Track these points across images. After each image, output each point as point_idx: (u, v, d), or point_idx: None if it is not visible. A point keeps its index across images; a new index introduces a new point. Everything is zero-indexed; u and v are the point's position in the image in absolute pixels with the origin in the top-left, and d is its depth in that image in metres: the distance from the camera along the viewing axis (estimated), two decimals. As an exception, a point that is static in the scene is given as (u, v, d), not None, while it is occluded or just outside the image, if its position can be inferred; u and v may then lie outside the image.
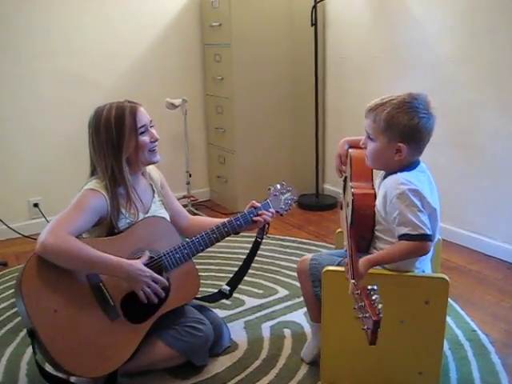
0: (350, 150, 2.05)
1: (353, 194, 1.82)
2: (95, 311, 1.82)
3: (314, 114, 3.96)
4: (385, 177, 1.86)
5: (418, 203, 1.71)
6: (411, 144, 1.75)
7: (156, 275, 1.89)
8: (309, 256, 2.05)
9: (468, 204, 3.20)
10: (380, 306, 1.38)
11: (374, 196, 1.84)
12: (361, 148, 1.95)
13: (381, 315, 1.36)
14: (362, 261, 1.70)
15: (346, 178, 2.10)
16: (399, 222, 1.72)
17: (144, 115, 1.99)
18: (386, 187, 1.78)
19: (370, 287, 1.44)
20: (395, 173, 1.80)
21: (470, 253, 3.16)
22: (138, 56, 3.82)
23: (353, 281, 1.55)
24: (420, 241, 1.70)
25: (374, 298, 1.41)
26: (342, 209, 2.15)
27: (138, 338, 1.89)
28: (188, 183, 3.92)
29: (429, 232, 1.71)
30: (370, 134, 1.80)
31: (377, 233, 1.85)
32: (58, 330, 1.75)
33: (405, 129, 1.72)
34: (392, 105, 1.73)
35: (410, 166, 1.81)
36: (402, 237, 1.72)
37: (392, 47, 3.51)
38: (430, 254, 1.87)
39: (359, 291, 1.45)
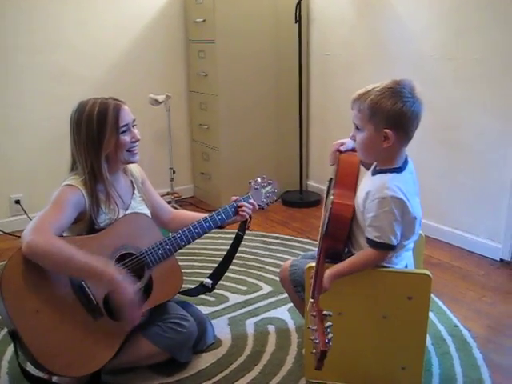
0: (341, 155, 2.03)
1: (332, 203, 1.80)
2: (78, 310, 1.80)
3: (298, 110, 3.96)
4: (374, 173, 1.83)
5: (397, 213, 1.70)
6: (398, 130, 1.72)
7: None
8: (288, 263, 2.06)
9: (451, 201, 3.23)
10: (330, 335, 1.36)
11: (353, 209, 1.82)
12: (352, 156, 1.96)
13: (330, 344, 1.34)
14: (326, 275, 1.69)
15: (331, 179, 2.09)
16: (371, 224, 1.73)
17: (127, 114, 1.97)
18: (373, 185, 1.76)
19: (325, 312, 1.42)
20: (385, 171, 1.77)
21: (452, 249, 3.18)
22: (121, 52, 3.80)
23: (311, 300, 1.52)
24: (382, 249, 1.73)
25: (326, 325, 1.39)
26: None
27: (122, 336, 1.87)
28: (172, 180, 3.91)
29: (394, 243, 1.72)
30: (357, 124, 1.78)
31: (355, 234, 1.84)
32: (41, 330, 1.72)
33: (389, 114, 1.69)
34: (375, 92, 1.71)
35: (401, 167, 1.79)
36: (369, 241, 1.74)
37: (376, 44, 3.53)
38: (410, 248, 1.88)
39: (315, 313, 1.44)
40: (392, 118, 1.70)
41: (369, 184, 1.80)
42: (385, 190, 1.71)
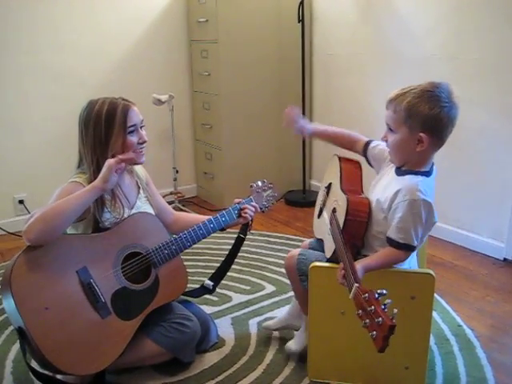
0: (340, 158, 2.03)
1: (347, 200, 1.79)
2: (86, 309, 1.81)
3: (301, 109, 3.95)
4: (400, 174, 1.81)
5: (424, 217, 1.70)
6: (433, 134, 1.70)
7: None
8: (296, 251, 2.04)
9: (453, 200, 3.22)
10: (395, 310, 1.33)
11: (369, 204, 1.82)
12: (351, 160, 1.98)
13: (395, 321, 1.30)
14: (358, 267, 1.67)
15: (329, 184, 2.09)
16: (397, 224, 1.72)
17: (136, 115, 1.97)
18: (403, 185, 1.74)
19: (379, 291, 1.39)
20: (415, 173, 1.76)
21: (455, 248, 3.18)
22: (124, 52, 3.80)
23: (357, 285, 1.49)
24: (405, 250, 1.73)
25: (385, 302, 1.35)
26: (318, 217, 2.14)
27: (129, 334, 1.88)
28: (175, 179, 3.91)
29: (415, 244, 1.73)
30: (390, 125, 1.75)
31: (367, 236, 1.84)
32: (50, 327, 1.73)
33: (426, 118, 1.67)
34: (412, 94, 1.68)
35: (429, 171, 1.79)
36: (391, 241, 1.74)
37: (378, 43, 3.53)
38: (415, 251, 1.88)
39: (367, 295, 1.40)
40: (428, 122, 1.68)
41: (396, 183, 1.77)
42: (417, 193, 1.69)
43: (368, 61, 3.60)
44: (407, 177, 1.77)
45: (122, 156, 1.86)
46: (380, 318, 1.32)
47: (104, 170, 1.82)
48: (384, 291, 1.39)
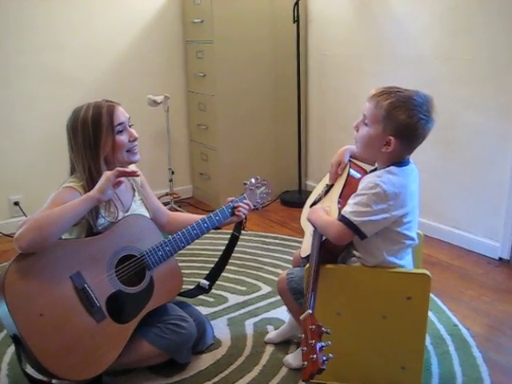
0: (351, 164, 2.01)
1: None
2: (81, 313, 1.80)
3: (297, 110, 3.96)
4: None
5: (375, 200, 1.70)
6: (403, 141, 1.72)
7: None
8: (283, 273, 2.06)
9: (449, 200, 3.23)
10: (330, 355, 1.31)
11: None
12: (362, 169, 1.97)
13: (325, 367, 1.29)
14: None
15: (331, 186, 2.07)
16: (350, 201, 1.74)
17: (122, 114, 1.97)
18: (368, 176, 1.79)
19: (324, 329, 1.38)
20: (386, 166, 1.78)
21: (451, 248, 3.19)
22: (119, 53, 3.79)
23: (309, 312, 1.50)
24: (342, 223, 1.72)
25: (326, 343, 1.34)
26: (310, 207, 2.12)
27: (125, 337, 1.87)
28: (171, 180, 3.91)
29: (353, 220, 1.71)
30: (367, 117, 1.76)
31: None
32: (45, 334, 1.72)
33: (402, 124, 1.69)
34: (398, 96, 1.70)
35: (404, 162, 1.79)
36: (343, 218, 1.73)
37: (374, 44, 3.53)
38: (410, 252, 1.89)
39: (313, 327, 1.40)
40: (403, 129, 1.70)
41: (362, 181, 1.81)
42: (376, 178, 1.73)
43: (363, 61, 3.61)
44: (373, 173, 1.82)
45: (121, 168, 1.85)
46: (315, 356, 1.32)
47: (102, 181, 1.81)
48: (329, 331, 1.38)
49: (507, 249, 2.97)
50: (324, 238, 1.80)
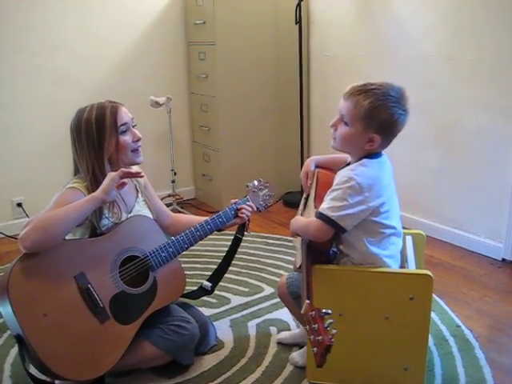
0: (317, 170, 2.04)
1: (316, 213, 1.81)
2: (84, 314, 1.80)
3: (299, 111, 3.96)
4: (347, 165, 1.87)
5: (351, 194, 1.72)
6: (384, 137, 1.76)
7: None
8: (283, 278, 2.08)
9: (451, 200, 3.23)
10: (334, 331, 1.36)
11: None
12: (329, 170, 1.98)
13: (333, 340, 1.34)
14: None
15: (308, 196, 2.09)
16: (326, 198, 1.77)
17: (125, 114, 1.98)
18: (341, 172, 1.81)
19: (324, 310, 1.42)
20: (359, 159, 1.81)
21: (453, 249, 3.18)
22: (121, 54, 3.80)
23: (307, 301, 1.52)
24: (320, 219, 1.74)
25: (327, 322, 1.39)
26: None
27: (128, 338, 1.87)
28: (173, 181, 3.91)
29: (330, 215, 1.73)
30: (345, 117, 1.77)
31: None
32: (48, 334, 1.72)
33: (384, 122, 1.72)
34: (376, 95, 1.71)
35: (377, 154, 1.82)
36: (320, 215, 1.74)
37: (376, 45, 3.53)
38: (395, 243, 1.89)
39: (313, 313, 1.43)
40: (385, 126, 1.73)
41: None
42: (349, 172, 1.76)
43: (365, 62, 3.61)
44: (346, 168, 1.83)
45: (125, 169, 1.86)
46: (320, 337, 1.35)
47: (106, 181, 1.82)
48: (329, 311, 1.42)
49: (510, 250, 2.96)
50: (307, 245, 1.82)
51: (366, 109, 1.71)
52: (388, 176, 1.83)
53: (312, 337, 1.38)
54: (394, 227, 1.84)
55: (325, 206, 1.75)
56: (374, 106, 1.70)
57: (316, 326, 1.39)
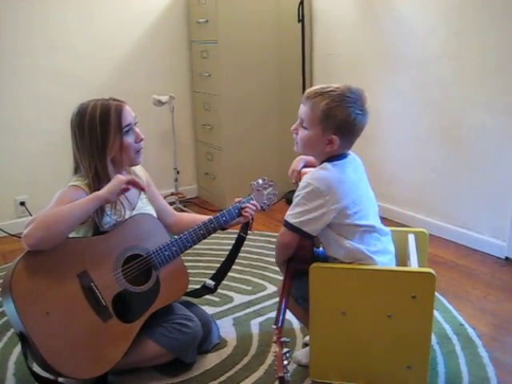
0: (304, 170, 2.03)
1: None
2: (87, 312, 1.81)
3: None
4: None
5: (306, 197, 1.75)
6: (344, 137, 1.76)
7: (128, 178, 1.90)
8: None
9: (455, 199, 3.22)
10: (286, 362, 1.44)
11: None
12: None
13: (285, 371, 1.41)
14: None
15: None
16: (294, 200, 1.80)
17: (129, 114, 1.97)
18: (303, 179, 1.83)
19: (283, 339, 1.48)
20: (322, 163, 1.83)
21: (457, 247, 3.18)
22: (124, 52, 3.80)
23: (274, 327, 1.57)
24: (285, 227, 1.79)
25: (284, 351, 1.46)
26: None
27: (131, 337, 1.88)
28: (176, 180, 3.91)
29: (292, 222, 1.77)
30: (304, 121, 1.79)
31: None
32: (51, 332, 1.72)
33: (341, 123, 1.73)
34: (332, 96, 1.72)
35: (339, 156, 1.82)
36: (284, 222, 1.79)
37: (379, 43, 3.52)
38: (386, 246, 1.89)
39: (275, 339, 1.50)
40: (343, 126, 1.74)
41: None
42: (308, 176, 1.78)
43: (368, 60, 3.60)
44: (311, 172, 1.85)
45: (135, 180, 1.91)
46: (275, 366, 1.46)
47: (113, 183, 1.83)
48: (288, 340, 1.54)
49: (514, 248, 2.96)
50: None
51: (322, 110, 1.73)
52: (356, 176, 1.83)
53: (276, 362, 1.47)
54: (371, 226, 1.83)
55: (288, 213, 1.79)
56: (331, 107, 1.72)
57: (275, 352, 1.48)
